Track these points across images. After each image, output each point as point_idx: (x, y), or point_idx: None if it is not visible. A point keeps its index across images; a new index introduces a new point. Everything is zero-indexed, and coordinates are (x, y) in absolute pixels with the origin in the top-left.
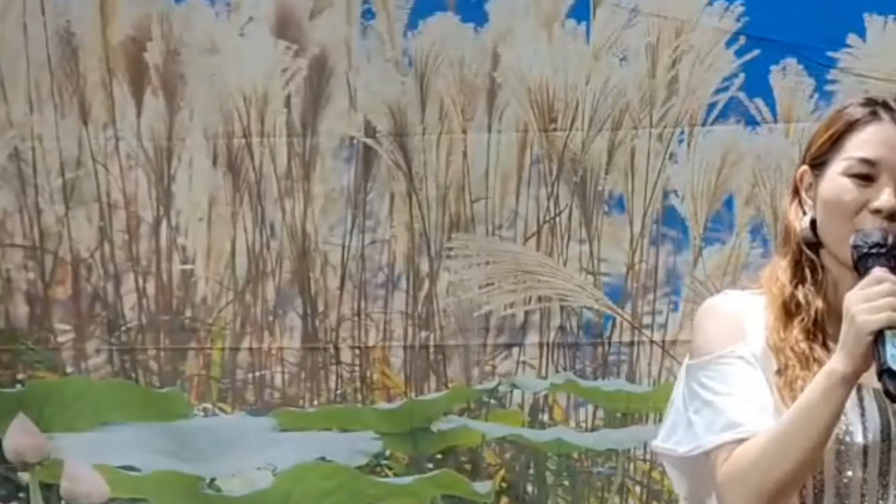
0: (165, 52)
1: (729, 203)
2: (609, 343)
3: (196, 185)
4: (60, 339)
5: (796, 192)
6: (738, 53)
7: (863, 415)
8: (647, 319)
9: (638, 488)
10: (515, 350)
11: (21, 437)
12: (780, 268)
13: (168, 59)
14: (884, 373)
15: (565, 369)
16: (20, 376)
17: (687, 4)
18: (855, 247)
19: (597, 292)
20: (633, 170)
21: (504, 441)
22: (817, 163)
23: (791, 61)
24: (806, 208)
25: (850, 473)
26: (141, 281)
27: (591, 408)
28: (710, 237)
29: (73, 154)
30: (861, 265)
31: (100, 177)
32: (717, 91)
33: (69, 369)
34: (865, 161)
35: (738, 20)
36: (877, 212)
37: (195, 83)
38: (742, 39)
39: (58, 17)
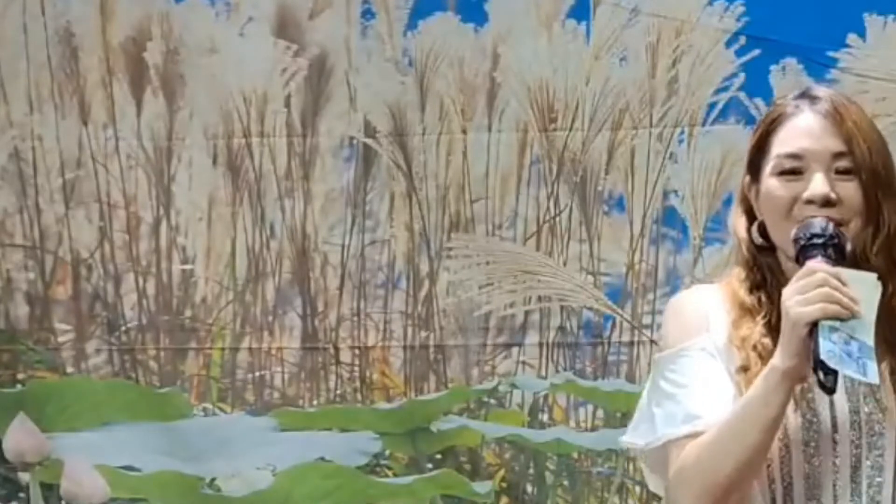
0: (165, 52)
1: (729, 203)
2: (609, 343)
3: (196, 185)
4: (60, 339)
5: (744, 201)
6: (738, 53)
7: (831, 403)
8: (647, 319)
9: (637, 488)
10: (515, 350)
11: (21, 437)
12: (734, 274)
13: (168, 59)
14: (817, 365)
15: (565, 369)
16: (20, 376)
17: (687, 4)
18: (795, 240)
19: (597, 292)
20: (633, 170)
21: (504, 441)
22: (754, 169)
23: (791, 61)
24: (757, 214)
25: (819, 463)
26: (141, 281)
27: (590, 408)
28: (710, 237)
29: (73, 154)
30: (801, 257)
31: (100, 177)
32: (717, 91)
33: (69, 369)
34: (790, 156)
35: (738, 20)
36: (810, 202)
37: (195, 83)
38: (742, 39)
39: (58, 17)
